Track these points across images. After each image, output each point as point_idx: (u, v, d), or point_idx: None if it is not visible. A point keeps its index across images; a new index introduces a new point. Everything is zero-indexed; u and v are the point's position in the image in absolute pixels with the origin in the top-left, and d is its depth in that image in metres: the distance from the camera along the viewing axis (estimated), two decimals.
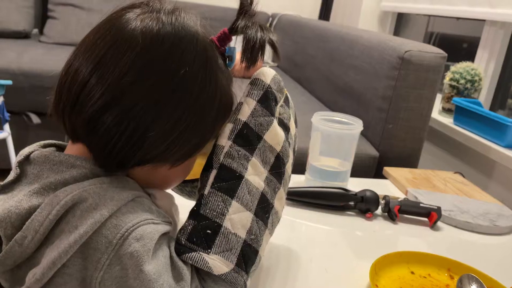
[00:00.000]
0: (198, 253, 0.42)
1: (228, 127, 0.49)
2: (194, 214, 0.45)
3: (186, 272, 0.41)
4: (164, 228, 0.42)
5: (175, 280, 0.40)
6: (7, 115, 1.57)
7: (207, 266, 0.42)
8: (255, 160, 0.48)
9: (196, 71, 0.44)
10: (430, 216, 0.83)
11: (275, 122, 0.51)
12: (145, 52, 0.41)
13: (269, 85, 0.51)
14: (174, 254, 0.42)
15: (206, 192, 0.46)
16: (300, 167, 1.00)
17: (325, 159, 0.94)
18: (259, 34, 0.49)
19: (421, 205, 0.84)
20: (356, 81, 1.30)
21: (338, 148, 0.92)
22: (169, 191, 0.53)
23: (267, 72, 0.52)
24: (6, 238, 0.39)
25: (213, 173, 0.47)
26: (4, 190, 0.42)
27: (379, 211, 0.85)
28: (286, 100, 0.55)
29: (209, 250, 0.42)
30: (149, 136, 0.42)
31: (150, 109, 0.42)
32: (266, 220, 0.48)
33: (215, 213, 0.44)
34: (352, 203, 0.84)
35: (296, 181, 0.96)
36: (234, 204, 0.45)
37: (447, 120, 1.40)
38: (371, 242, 0.76)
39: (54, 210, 0.38)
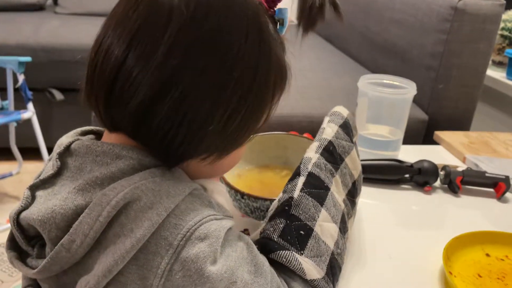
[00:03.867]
0: (292, 252, 0.40)
1: (315, 144, 0.51)
2: (283, 213, 0.43)
3: (266, 269, 0.37)
4: (228, 223, 0.37)
5: (252, 275, 0.36)
6: (29, 93, 1.53)
7: (300, 268, 0.39)
8: (338, 179, 0.49)
9: (251, 43, 0.36)
10: (497, 186, 0.75)
11: (354, 149, 0.53)
12: (190, 25, 0.34)
13: (347, 117, 0.55)
14: (254, 248, 0.38)
15: (295, 195, 0.44)
16: None
17: (373, 126, 0.85)
18: None
19: (486, 175, 0.76)
20: (398, 37, 1.19)
21: (389, 115, 0.83)
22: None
23: (343, 109, 0.57)
24: (50, 241, 0.35)
25: (302, 179, 0.46)
26: (45, 185, 0.37)
27: (437, 183, 0.77)
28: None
29: (302, 252, 0.40)
30: (211, 127, 0.36)
31: (207, 95, 0.35)
32: (345, 242, 0.47)
33: (307, 215, 0.43)
34: (407, 175, 0.76)
35: None
36: (323, 212, 0.44)
37: (499, 75, 1.28)
38: (433, 219, 0.69)
39: (105, 211, 0.33)
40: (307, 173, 0.46)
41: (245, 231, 0.61)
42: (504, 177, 0.75)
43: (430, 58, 1.04)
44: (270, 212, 0.46)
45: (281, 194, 0.46)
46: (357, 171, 0.53)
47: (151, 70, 0.34)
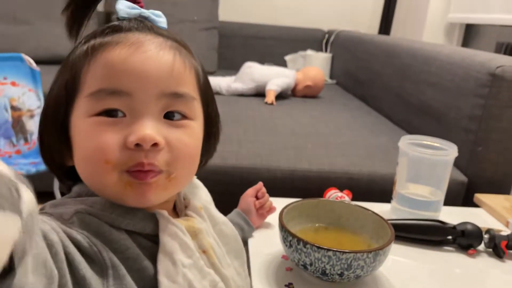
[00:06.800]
0: None
1: None
2: None
3: None
4: None
5: None
6: None
7: None
8: None
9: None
10: None
11: None
12: None
13: None
14: None
15: None
16: (383, 195, 0.93)
17: (413, 186, 0.86)
18: None
19: None
20: (434, 99, 1.22)
21: (430, 176, 0.84)
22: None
23: None
24: None
25: None
26: None
27: (481, 246, 0.77)
28: None
29: None
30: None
31: None
32: None
33: None
34: (450, 237, 0.76)
35: (382, 210, 0.88)
36: None
37: None
38: (478, 283, 0.69)
39: None
40: None
41: (290, 285, 0.62)
42: None
43: (468, 121, 1.06)
44: None
45: None
46: None
47: None
